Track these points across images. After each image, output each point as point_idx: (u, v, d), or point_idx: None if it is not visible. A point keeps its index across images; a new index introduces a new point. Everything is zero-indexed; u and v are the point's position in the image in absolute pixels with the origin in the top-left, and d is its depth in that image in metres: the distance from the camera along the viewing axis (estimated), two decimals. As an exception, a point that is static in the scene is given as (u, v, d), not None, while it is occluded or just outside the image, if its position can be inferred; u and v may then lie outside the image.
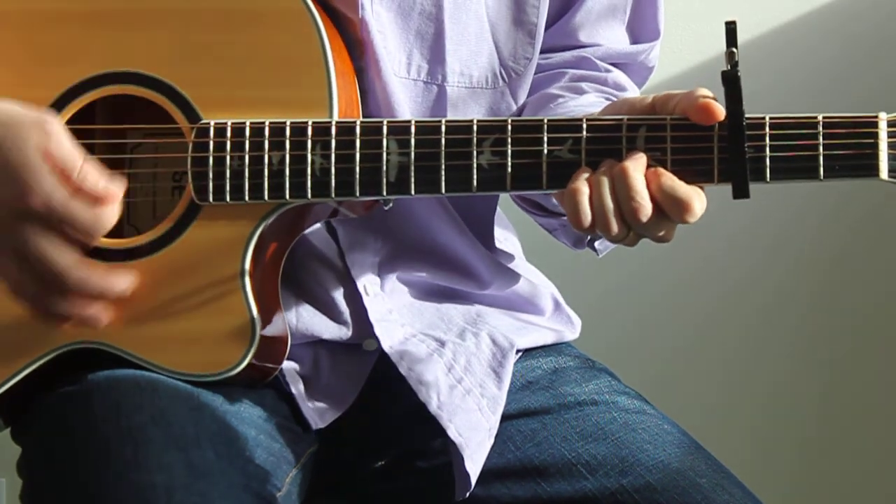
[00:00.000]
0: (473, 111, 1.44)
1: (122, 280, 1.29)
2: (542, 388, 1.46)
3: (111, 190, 1.27)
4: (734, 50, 1.21)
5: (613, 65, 1.53)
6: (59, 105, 1.34)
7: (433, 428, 1.38)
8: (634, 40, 1.54)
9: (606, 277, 2.35)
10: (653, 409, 1.45)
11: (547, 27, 1.49)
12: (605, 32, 1.51)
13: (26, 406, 1.36)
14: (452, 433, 1.37)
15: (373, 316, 1.42)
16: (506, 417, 1.43)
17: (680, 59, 2.33)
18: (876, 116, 1.23)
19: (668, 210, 1.23)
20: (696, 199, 1.23)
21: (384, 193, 1.29)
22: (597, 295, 2.33)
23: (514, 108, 1.47)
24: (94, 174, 1.27)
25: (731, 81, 1.21)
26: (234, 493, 1.25)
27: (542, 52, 1.51)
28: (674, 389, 2.36)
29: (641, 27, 1.53)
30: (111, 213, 1.27)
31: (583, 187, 1.24)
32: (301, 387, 1.42)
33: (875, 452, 2.42)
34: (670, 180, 1.23)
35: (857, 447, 2.42)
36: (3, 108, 1.28)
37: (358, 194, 1.29)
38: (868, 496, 2.43)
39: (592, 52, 1.51)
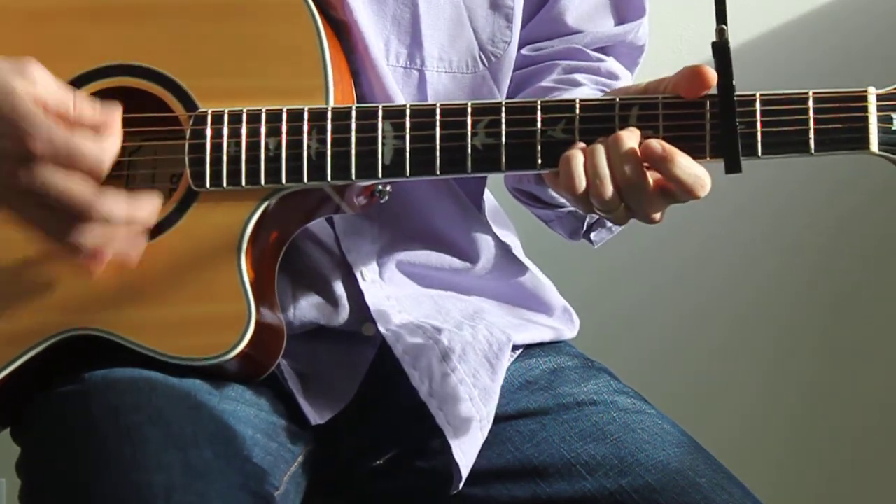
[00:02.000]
0: (455, 96, 1.45)
1: (146, 204, 1.28)
2: (541, 389, 1.46)
3: (110, 116, 1.27)
4: (724, 27, 1.22)
5: (602, 49, 1.54)
6: None
7: (432, 427, 1.38)
8: (620, 20, 1.54)
9: (604, 275, 2.36)
10: (652, 408, 1.45)
11: (532, 15, 1.51)
12: (591, 15, 1.52)
13: (24, 406, 1.36)
14: (441, 420, 1.37)
15: (370, 299, 1.42)
16: (505, 418, 1.43)
17: (680, 59, 2.34)
18: (865, 91, 1.25)
19: (685, 188, 1.24)
20: (707, 177, 1.25)
21: (380, 176, 1.30)
22: (594, 292, 2.33)
23: (497, 93, 1.48)
24: (88, 105, 1.26)
25: (721, 52, 1.22)
26: (231, 493, 1.25)
27: (531, 43, 1.52)
28: (673, 387, 2.36)
29: (627, 6, 1.54)
30: (114, 142, 1.27)
31: (577, 153, 1.26)
32: (299, 384, 1.42)
33: (873, 447, 2.42)
34: (685, 159, 1.24)
35: (857, 444, 2.42)
36: None
37: (354, 177, 1.30)
38: (867, 493, 2.42)
39: (581, 40, 1.52)
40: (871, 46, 2.35)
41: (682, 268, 2.41)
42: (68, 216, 1.25)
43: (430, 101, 1.44)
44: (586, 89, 1.48)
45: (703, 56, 2.33)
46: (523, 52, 1.52)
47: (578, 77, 1.49)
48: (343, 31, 1.39)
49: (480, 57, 1.47)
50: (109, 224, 1.26)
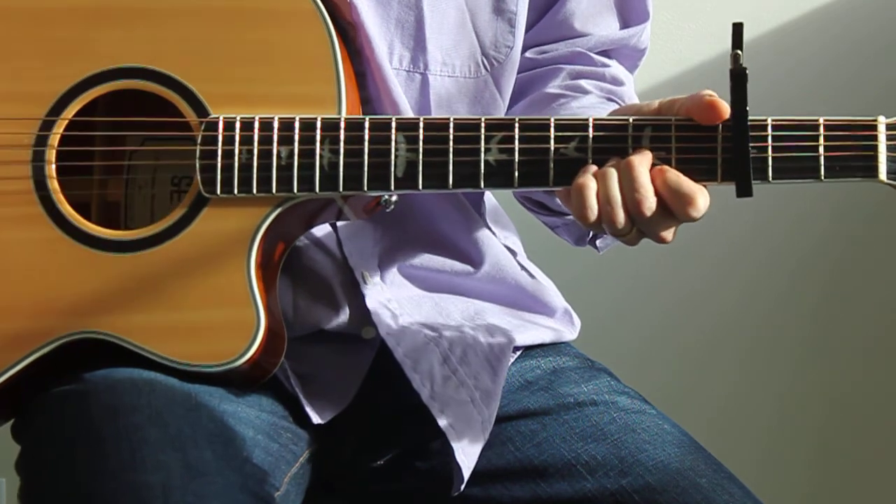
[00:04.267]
0: (457, 101, 1.46)
1: None
2: (541, 389, 1.46)
3: None
4: (739, 52, 1.23)
5: (605, 52, 1.55)
6: (66, 99, 1.35)
7: (432, 428, 1.39)
8: (624, 24, 1.55)
9: (606, 278, 2.35)
10: (652, 409, 1.46)
11: (538, 18, 1.51)
12: (596, 19, 1.53)
13: (26, 404, 1.36)
14: (443, 423, 1.38)
15: (370, 303, 1.42)
16: (505, 418, 1.43)
17: (680, 58, 2.33)
18: (875, 120, 1.25)
19: (673, 205, 1.25)
20: (700, 194, 1.25)
21: (392, 188, 1.30)
22: (594, 292, 2.34)
23: (499, 98, 1.48)
24: None
25: (739, 79, 1.23)
26: (231, 493, 1.25)
27: (536, 45, 1.52)
28: (673, 386, 2.36)
29: (630, 10, 1.55)
30: None
31: (590, 182, 1.26)
32: (300, 384, 1.42)
33: (880, 455, 2.43)
34: (675, 176, 1.25)
35: (860, 449, 2.43)
36: None
37: (366, 188, 1.30)
38: (855, 488, 2.44)
39: (585, 44, 1.53)
40: (870, 45, 2.35)
41: (681, 268, 2.41)
42: None
43: (434, 106, 1.45)
44: (593, 97, 1.48)
45: (702, 55, 2.34)
46: (527, 55, 1.52)
47: (584, 83, 1.50)
48: (349, 33, 1.39)
49: (483, 61, 1.47)
50: None
